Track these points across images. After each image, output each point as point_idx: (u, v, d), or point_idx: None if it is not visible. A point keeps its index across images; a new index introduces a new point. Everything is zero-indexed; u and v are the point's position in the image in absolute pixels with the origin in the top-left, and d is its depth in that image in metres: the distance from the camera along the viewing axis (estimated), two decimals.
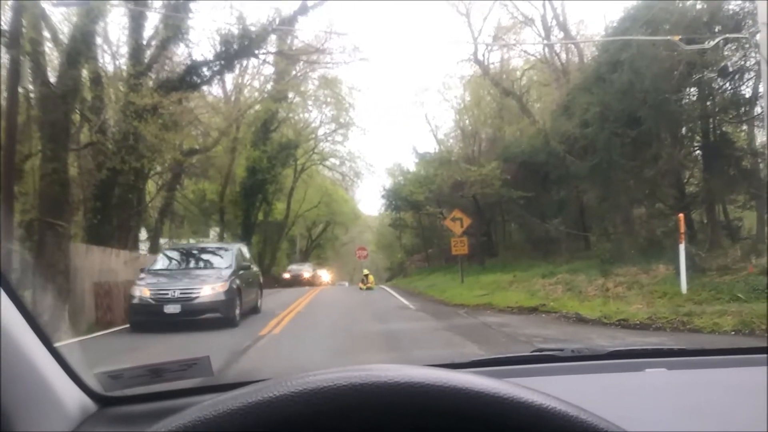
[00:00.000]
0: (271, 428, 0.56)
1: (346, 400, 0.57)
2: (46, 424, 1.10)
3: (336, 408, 0.57)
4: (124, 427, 1.26)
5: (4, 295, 1.07)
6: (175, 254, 14.38)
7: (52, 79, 16.52)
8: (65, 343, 8.87)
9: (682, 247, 11.59)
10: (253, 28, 20.96)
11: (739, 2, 15.22)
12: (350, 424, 0.57)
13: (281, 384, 0.59)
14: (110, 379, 1.33)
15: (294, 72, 31.52)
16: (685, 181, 18.61)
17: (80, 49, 16.43)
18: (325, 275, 44.89)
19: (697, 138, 17.65)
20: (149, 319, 11.55)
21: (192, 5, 19.87)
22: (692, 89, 16.69)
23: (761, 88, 14.46)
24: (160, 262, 13.66)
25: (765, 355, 1.68)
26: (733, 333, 8.63)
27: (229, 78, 29.71)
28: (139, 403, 1.37)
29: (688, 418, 1.27)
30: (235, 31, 20.66)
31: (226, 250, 13.88)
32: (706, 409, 1.33)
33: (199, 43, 55.21)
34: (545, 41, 28.08)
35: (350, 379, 0.58)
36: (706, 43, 13.98)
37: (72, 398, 1.21)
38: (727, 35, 14.41)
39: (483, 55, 30.19)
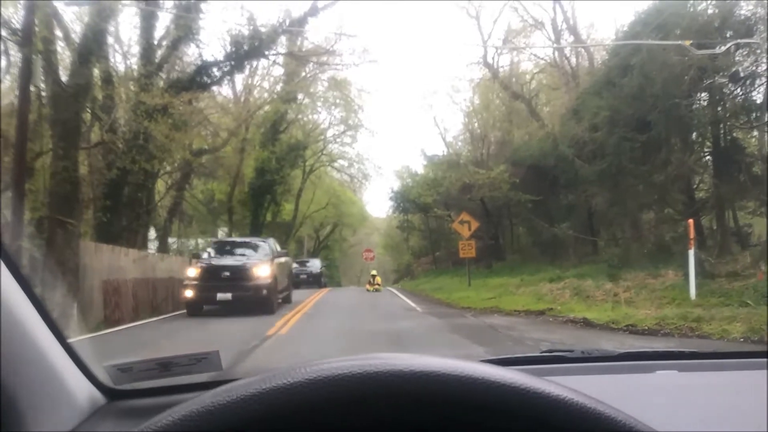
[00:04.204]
0: (284, 415, 0.56)
1: (362, 388, 0.57)
2: (55, 415, 1.10)
3: (351, 396, 0.57)
4: (133, 420, 1.26)
5: (14, 283, 1.07)
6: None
7: (64, 77, 16.62)
8: (75, 339, 8.91)
9: (691, 253, 11.53)
10: (263, 29, 21.03)
11: (751, 7, 15.16)
12: (365, 413, 0.57)
13: (295, 371, 0.59)
14: (120, 372, 1.33)
15: (303, 73, 31.58)
16: (695, 186, 18.53)
17: (92, 48, 16.53)
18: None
19: (708, 143, 17.56)
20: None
21: (203, 6, 19.94)
22: (703, 94, 16.60)
23: None
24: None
25: None
26: (741, 339, 8.58)
27: (239, 78, 29.80)
28: (148, 397, 1.37)
29: (699, 419, 1.26)
30: (246, 31, 20.73)
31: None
32: (716, 411, 1.32)
33: (210, 44, 55.44)
34: (555, 45, 28.02)
35: (365, 368, 0.58)
36: (718, 48, 13.93)
37: (81, 390, 1.21)
38: (739, 40, 14.34)
39: (492, 58, 30.21)
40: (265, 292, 13.83)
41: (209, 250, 16.49)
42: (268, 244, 16.19)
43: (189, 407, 0.58)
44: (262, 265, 14.38)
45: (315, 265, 34.71)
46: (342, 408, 0.57)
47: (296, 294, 18.90)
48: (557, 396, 0.59)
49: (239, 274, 14.08)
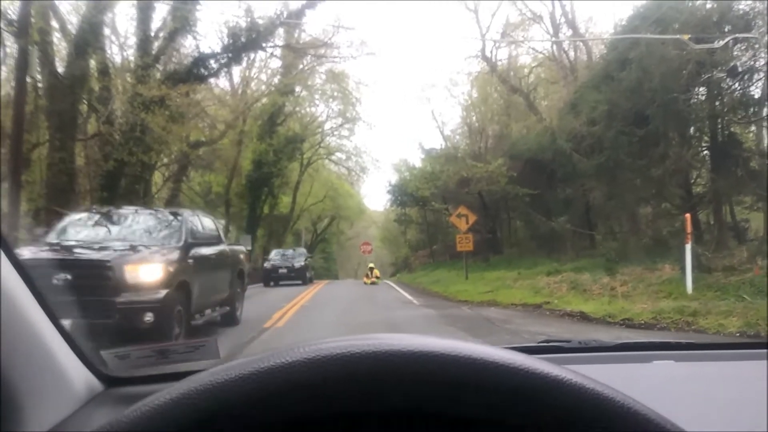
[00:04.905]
0: (282, 393, 0.56)
1: (360, 367, 0.57)
2: (52, 401, 1.10)
3: (349, 375, 0.57)
4: (130, 407, 1.25)
5: (12, 270, 1.07)
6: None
7: (60, 69, 16.59)
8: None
9: (688, 247, 11.54)
10: (260, 21, 20.96)
11: (750, 2, 15.14)
12: (363, 393, 0.57)
13: (293, 350, 0.59)
14: (117, 359, 1.33)
15: (301, 66, 31.53)
16: (693, 181, 18.56)
17: (88, 39, 16.49)
18: None
19: (705, 138, 17.59)
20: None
21: None
22: (701, 89, 16.61)
23: None
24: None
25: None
26: (738, 334, 8.59)
27: (236, 71, 29.74)
28: (145, 384, 1.37)
29: (696, 409, 1.27)
30: (243, 23, 20.67)
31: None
32: (713, 401, 1.33)
33: (207, 36, 55.44)
34: (553, 38, 28.00)
35: (363, 347, 0.58)
36: (716, 42, 13.91)
37: (79, 376, 1.21)
38: (737, 35, 14.33)
39: (491, 52, 30.19)
40: (148, 317, 7.10)
41: (63, 225, 8.76)
42: (181, 221, 8.87)
43: (187, 385, 0.57)
44: (147, 261, 7.52)
45: (298, 256, 27.44)
46: (339, 387, 0.57)
47: (271, 294, 16.59)
48: (556, 376, 0.59)
49: (95, 279, 7.09)
